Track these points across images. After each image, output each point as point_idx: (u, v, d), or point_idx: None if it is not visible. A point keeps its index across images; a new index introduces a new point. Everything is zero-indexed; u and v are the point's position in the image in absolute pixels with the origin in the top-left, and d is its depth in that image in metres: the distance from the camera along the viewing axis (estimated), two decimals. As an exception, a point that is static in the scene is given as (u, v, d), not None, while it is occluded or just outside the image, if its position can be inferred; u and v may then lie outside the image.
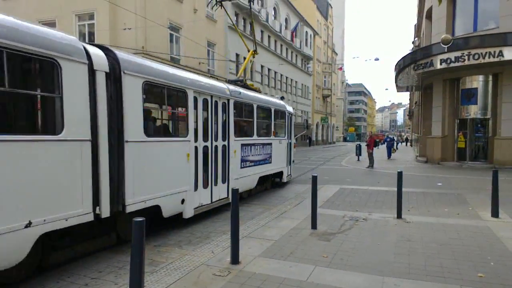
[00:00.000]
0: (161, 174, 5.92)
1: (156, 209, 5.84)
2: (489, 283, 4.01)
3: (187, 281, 4.08)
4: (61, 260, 4.72)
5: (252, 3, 15.35)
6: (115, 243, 5.48)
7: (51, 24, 21.79)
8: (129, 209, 5.18)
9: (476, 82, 18.07)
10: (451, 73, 17.92)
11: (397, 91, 29.33)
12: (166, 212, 6.07)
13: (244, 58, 32.93)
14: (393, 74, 22.70)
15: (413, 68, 18.32)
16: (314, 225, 6.15)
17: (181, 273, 4.31)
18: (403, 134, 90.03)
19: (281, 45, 42.46)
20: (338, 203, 8.54)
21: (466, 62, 15.77)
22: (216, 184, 7.71)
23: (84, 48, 4.71)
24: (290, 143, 12.49)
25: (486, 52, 15.21)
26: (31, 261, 4.16)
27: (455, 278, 4.15)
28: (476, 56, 15.45)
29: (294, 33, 45.34)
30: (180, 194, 6.40)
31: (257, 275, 4.21)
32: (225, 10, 12.89)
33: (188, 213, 6.66)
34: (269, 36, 38.50)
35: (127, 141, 5.19)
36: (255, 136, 9.60)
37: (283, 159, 11.74)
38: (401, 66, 19.83)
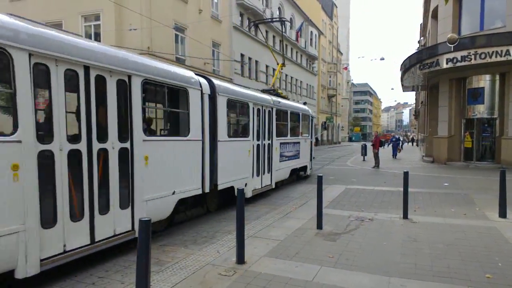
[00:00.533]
0: (235, 164, 8.19)
1: (231, 189, 8.03)
2: (497, 283, 3.98)
3: (193, 280, 4.09)
4: (179, 220, 6.98)
5: (283, 26, 18.78)
6: (204, 212, 7.78)
7: (58, 25, 21.96)
8: (219, 187, 7.50)
9: (483, 81, 17.92)
10: (457, 73, 17.79)
11: (403, 91, 29.16)
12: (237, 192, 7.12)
13: (249, 58, 33.00)
14: (399, 73, 22.59)
15: (419, 67, 18.21)
16: (319, 225, 6.13)
17: (187, 272, 4.32)
18: (409, 134, 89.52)
19: (286, 45, 42.41)
20: (344, 203, 8.51)
21: (473, 62, 15.65)
22: (264, 173, 9.82)
23: (198, 79, 6.91)
24: (311, 142, 14.72)
25: (493, 51, 15.08)
26: (168, 218, 6.33)
27: (462, 278, 4.13)
28: (483, 56, 15.32)
29: (299, 33, 45.25)
30: (245, 179, 8.64)
31: (262, 275, 4.21)
32: (261, 32, 16.35)
33: (249, 194, 8.79)
34: (274, 36, 38.49)
35: (219, 141, 7.46)
36: (288, 136, 11.77)
37: (307, 155, 13.93)
38: (407, 66, 19.72)
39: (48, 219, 4.05)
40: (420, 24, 37.79)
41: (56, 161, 4.15)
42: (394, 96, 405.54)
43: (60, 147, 4.19)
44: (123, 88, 5.13)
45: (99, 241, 4.67)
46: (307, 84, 51.15)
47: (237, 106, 8.51)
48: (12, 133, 3.74)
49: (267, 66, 37.10)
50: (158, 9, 20.97)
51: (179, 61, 23.60)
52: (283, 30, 16.64)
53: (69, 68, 4.35)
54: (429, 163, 19.57)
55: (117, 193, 4.95)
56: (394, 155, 25.00)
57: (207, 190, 7.06)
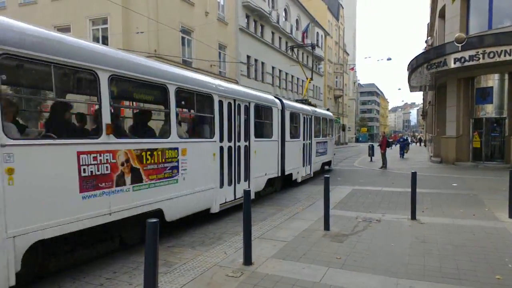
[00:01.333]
0: (292, 157, 11.45)
1: (290, 175, 11.42)
2: (507, 285, 3.93)
3: (200, 281, 4.10)
4: (263, 195, 9.98)
5: (314, 49, 26.24)
6: (274, 191, 10.81)
7: (66, 29, 22.25)
8: (286, 173, 10.92)
9: (492, 80, 17.72)
10: (466, 72, 17.62)
11: (410, 91, 28.96)
12: (293, 178, 11.78)
13: (256, 60, 33.01)
14: (406, 73, 22.44)
15: (426, 67, 18.07)
16: (327, 226, 6.12)
17: (194, 273, 4.34)
18: (416, 134, 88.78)
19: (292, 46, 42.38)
20: (351, 204, 8.47)
21: (481, 61, 15.49)
22: (307, 165, 13.14)
23: (276, 101, 10.54)
24: (332, 141, 18.26)
25: (501, 51, 14.91)
26: (260, 193, 9.64)
27: (472, 280, 4.08)
28: (491, 55, 15.16)
29: (305, 34, 45.21)
30: (297, 168, 11.99)
31: (269, 276, 4.21)
32: (296, 56, 21.21)
33: (299, 180, 12.20)
34: (280, 38, 38.50)
35: (286, 141, 10.89)
36: (320, 137, 15.13)
37: (331, 152, 17.38)
38: (414, 66, 19.59)
39: (221, 182, 7.43)
40: (427, 24, 37.53)
41: (224, 151, 7.51)
42: (401, 96, 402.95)
43: (225, 144, 7.59)
44: (244, 109, 8.46)
45: (237, 198, 8.06)
46: (313, 85, 51.03)
47: (293, 117, 11.73)
48: (212, 137, 7.11)
49: (273, 68, 37.12)
50: (165, 12, 21.10)
51: (186, 64, 23.71)
52: (313, 52, 22.46)
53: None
54: (437, 164, 19.39)
55: (243, 172, 8.38)
56: (402, 155, 25.61)
57: (279, 174, 10.52)
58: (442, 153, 19.75)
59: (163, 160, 5.65)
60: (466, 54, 15.81)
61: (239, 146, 8.13)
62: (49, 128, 4.42)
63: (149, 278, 3.12)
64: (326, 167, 16.70)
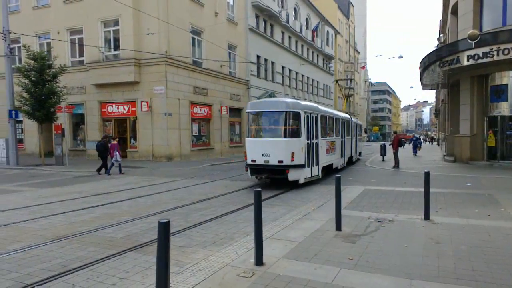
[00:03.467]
0: (330, 151, 14.56)
1: (331, 166, 14.76)
2: (524, 287, 3.84)
3: (212, 281, 4.11)
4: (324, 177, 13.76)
5: (350, 84, 40.09)
6: (322, 176, 13.35)
7: (78, 31, 22.55)
8: (334, 164, 15.20)
9: (506, 78, 17.36)
10: (479, 70, 17.30)
11: (423, 89, 28.60)
12: (335, 166, 15.27)
13: (265, 60, 32.93)
14: (418, 71, 22.12)
15: (439, 65, 17.79)
16: (338, 227, 6.06)
17: (206, 273, 4.35)
18: (429, 133, 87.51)
19: (302, 45, 42.25)
20: (363, 205, 8.39)
21: (495, 58, 15.17)
22: (342, 157, 16.89)
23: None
24: (357, 139, 22.90)
25: (516, 47, 14.59)
26: (322, 174, 13.37)
27: (488, 281, 4.00)
28: (506, 51, 14.84)
29: (315, 33, 45.00)
30: (337, 159, 15.70)
31: (281, 277, 4.19)
32: (340, 87, 30.64)
33: (338, 167, 16.13)
34: (289, 37, 38.40)
35: (321, 140, 13.34)
36: (351, 136, 19.63)
37: (356, 148, 21.95)
38: (426, 64, 19.30)
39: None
40: (439, 21, 36.94)
41: (309, 145, 11.73)
42: (413, 94, 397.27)
43: (309, 141, 11.67)
44: (314, 118, 12.39)
45: (313, 175, 12.14)
46: (323, 84, 50.79)
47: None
48: (300, 136, 11.14)
49: (283, 67, 37.02)
50: (175, 13, 21.22)
51: (196, 64, 23.82)
52: (350, 87, 31.93)
53: (308, 113, 11.83)
54: (450, 163, 19.09)
55: (315, 158, 12.21)
56: (415, 153, 26.94)
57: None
58: (456, 152, 19.43)
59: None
60: (480, 51, 15.51)
61: (314, 143, 12.31)
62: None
63: (161, 278, 3.13)
64: (353, 159, 21.22)
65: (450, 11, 23.10)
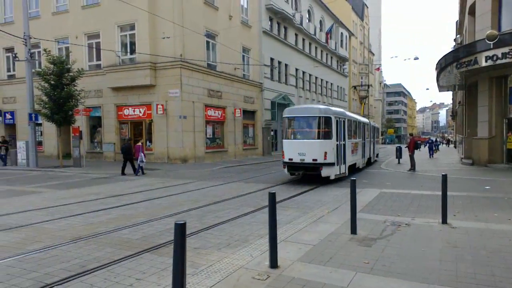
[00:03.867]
0: (361, 151, 17.38)
1: (355, 165, 16.10)
2: (547, 294, 3.73)
3: (227, 284, 4.13)
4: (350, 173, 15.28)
5: (367, 90, 51.32)
6: (348, 173, 14.76)
7: (96, 36, 23.01)
8: (357, 164, 16.75)
9: (527, 79, 16.92)
10: (498, 71, 16.91)
11: (439, 91, 28.08)
12: (357, 165, 16.67)
13: (279, 62, 32.94)
14: (434, 73, 21.77)
15: (456, 66, 17.47)
16: (353, 230, 6.01)
17: (221, 275, 4.37)
18: (446, 135, 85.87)
19: (316, 48, 42.10)
20: (379, 208, 8.30)
21: (515, 58, 14.82)
22: (363, 157, 18.25)
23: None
24: (375, 142, 24.34)
25: (537, 47, 14.22)
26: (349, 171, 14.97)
27: (509, 288, 3.90)
28: (526, 52, 14.48)
29: (328, 35, 44.80)
30: (359, 159, 16.99)
31: (296, 280, 4.18)
32: (359, 95, 33.07)
33: (361, 166, 17.57)
34: (303, 39, 38.33)
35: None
36: (370, 138, 21.07)
37: (374, 150, 23.27)
38: (443, 65, 18.97)
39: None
40: (456, 22, 36.28)
41: (338, 145, 13.20)
42: (429, 96, 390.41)
43: (338, 142, 13.13)
44: (342, 122, 13.70)
45: (341, 173, 13.51)
46: (337, 86, 50.47)
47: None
48: (331, 138, 12.69)
49: (296, 70, 36.96)
50: (190, 17, 21.45)
51: (210, 67, 23.99)
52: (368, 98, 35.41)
53: (337, 118, 13.21)
54: (468, 166, 18.69)
55: (343, 157, 13.56)
56: (431, 155, 27.02)
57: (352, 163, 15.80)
58: (474, 155, 19.02)
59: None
60: (499, 51, 15.17)
61: (342, 144, 13.68)
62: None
63: (177, 279, 3.16)
64: (372, 161, 22.73)
65: (467, 11, 22.68)
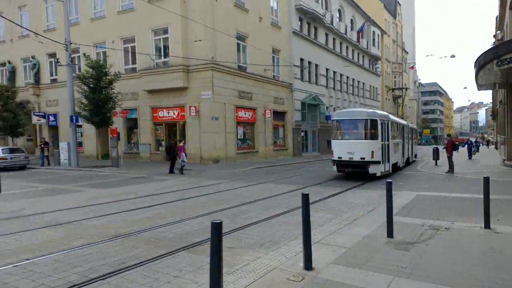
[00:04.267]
0: (396, 151, 16.87)
1: (396, 163, 16.98)
2: None
3: (262, 283, 4.16)
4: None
5: (404, 93, 53.30)
6: (399, 168, 17.82)
7: (131, 40, 23.81)
8: (398, 162, 17.61)
9: None
10: (545, 67, 15.91)
11: (478, 90, 26.80)
12: (398, 164, 17.42)
13: (309, 62, 32.69)
14: (473, 71, 20.83)
15: (497, 64, 16.59)
16: (390, 233, 5.87)
17: (255, 275, 4.41)
18: (485, 135, 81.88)
19: (347, 47, 41.43)
20: (416, 211, 8.06)
21: None
22: (403, 156, 18.69)
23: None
24: (413, 142, 24.88)
25: None
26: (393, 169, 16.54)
27: (560, 298, 3.68)
28: None
29: (360, 34, 43.95)
30: (400, 159, 17.89)
31: (331, 282, 4.15)
32: (393, 95, 38.48)
33: (401, 165, 18.26)
34: (334, 39, 37.83)
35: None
36: (408, 139, 21.35)
37: (412, 150, 23.81)
38: (482, 63, 18.08)
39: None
40: (496, 17, 34.53)
41: (383, 145, 14.47)
42: (467, 95, 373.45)
43: (383, 143, 14.42)
44: (386, 124, 14.92)
45: (386, 170, 14.79)
46: (370, 85, 49.40)
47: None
48: (377, 139, 14.12)
49: (327, 69, 36.52)
50: (221, 20, 21.72)
51: (241, 69, 24.20)
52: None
53: (382, 120, 14.51)
54: (511, 168, 17.73)
55: (387, 156, 14.80)
56: (470, 156, 26.17)
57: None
58: (517, 157, 18.00)
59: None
60: (545, 47, 14.29)
61: (387, 144, 14.83)
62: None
63: (215, 277, 3.22)
64: (411, 160, 23.38)
65: (508, 6, 21.54)
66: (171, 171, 17.04)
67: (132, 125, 24.75)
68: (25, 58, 29.06)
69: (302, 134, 32.07)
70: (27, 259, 5.24)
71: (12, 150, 21.14)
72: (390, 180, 6.12)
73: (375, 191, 11.45)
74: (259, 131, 25.64)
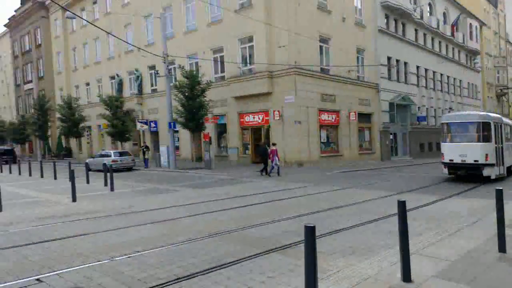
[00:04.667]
0: (510, 154, 15.91)
1: (510, 167, 15.93)
2: None
3: (358, 292, 4.07)
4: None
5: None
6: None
7: (220, 50, 25.23)
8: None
9: None
10: None
11: None
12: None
13: (397, 61, 30.98)
14: None
15: None
16: (502, 248, 5.25)
17: (349, 283, 4.33)
18: None
19: (440, 42, 38.16)
20: (531, 224, 7.07)
21: None
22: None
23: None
24: None
25: None
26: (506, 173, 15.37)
27: None
28: None
29: (454, 27, 40.11)
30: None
31: (435, 297, 3.88)
32: (496, 93, 32.40)
33: None
34: (424, 34, 35.18)
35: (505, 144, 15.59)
36: None
37: None
38: None
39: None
40: None
41: (497, 148, 14.12)
42: None
43: (496, 145, 14.07)
44: (499, 126, 14.68)
45: (501, 173, 14.43)
46: (467, 82, 44.77)
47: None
48: (490, 141, 13.88)
49: (417, 67, 34.13)
50: (303, 24, 21.82)
51: (323, 71, 23.96)
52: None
53: (495, 122, 14.28)
54: None
55: (501, 159, 14.46)
56: None
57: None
58: None
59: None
60: None
61: (500, 146, 14.49)
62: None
63: (310, 281, 3.26)
64: None
65: None
66: (266, 173, 17.55)
67: (221, 130, 26.14)
68: (130, 71, 32.58)
69: (391, 137, 30.37)
70: (137, 252, 5.88)
71: (121, 154, 23.89)
72: (501, 188, 5.48)
73: (477, 200, 10.34)
74: (343, 134, 24.99)
